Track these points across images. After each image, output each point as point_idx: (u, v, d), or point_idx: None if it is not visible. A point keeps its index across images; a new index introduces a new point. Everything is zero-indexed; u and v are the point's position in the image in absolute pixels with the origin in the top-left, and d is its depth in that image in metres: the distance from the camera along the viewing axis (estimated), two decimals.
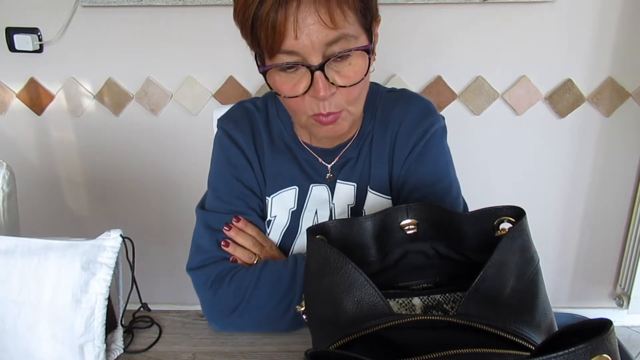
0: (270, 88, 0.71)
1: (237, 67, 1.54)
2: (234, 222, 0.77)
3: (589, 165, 1.62)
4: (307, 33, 0.60)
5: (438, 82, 1.53)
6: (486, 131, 1.58)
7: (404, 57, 1.48)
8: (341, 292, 0.49)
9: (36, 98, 1.61)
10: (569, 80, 1.51)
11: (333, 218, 0.82)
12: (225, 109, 0.89)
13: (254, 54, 0.70)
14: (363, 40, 0.65)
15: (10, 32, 1.52)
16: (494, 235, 0.55)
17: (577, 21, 1.45)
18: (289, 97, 0.66)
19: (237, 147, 0.81)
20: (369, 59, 0.65)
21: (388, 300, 0.48)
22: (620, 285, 1.73)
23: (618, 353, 0.33)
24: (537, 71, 1.51)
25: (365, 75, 0.66)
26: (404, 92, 0.85)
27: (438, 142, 0.80)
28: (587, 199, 1.66)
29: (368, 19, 0.65)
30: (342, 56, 0.63)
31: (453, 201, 0.79)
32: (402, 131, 0.79)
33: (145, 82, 1.57)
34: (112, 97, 1.60)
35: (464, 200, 0.83)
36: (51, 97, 1.61)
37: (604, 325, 0.33)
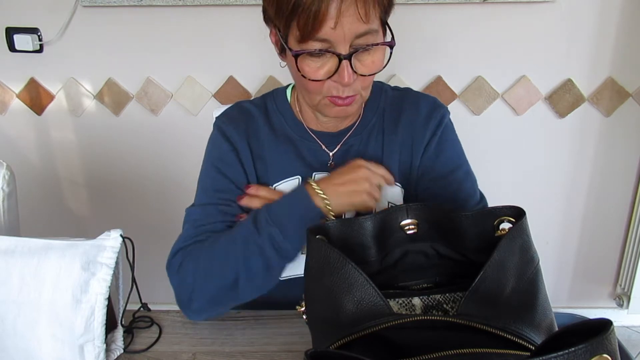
0: (284, 58, 0.76)
1: (237, 67, 1.54)
2: (246, 191, 0.80)
3: (589, 165, 1.62)
4: (343, 24, 0.64)
5: (438, 82, 1.53)
6: (486, 131, 1.58)
7: (404, 57, 1.48)
8: (341, 292, 0.49)
9: (36, 98, 1.61)
10: (569, 80, 1.51)
11: None
12: (225, 108, 0.89)
13: (275, 32, 0.73)
14: (382, 34, 0.70)
15: (10, 32, 1.52)
16: (494, 235, 0.55)
17: (577, 21, 1.45)
18: (312, 80, 0.70)
19: (229, 142, 0.82)
20: (391, 53, 0.71)
21: (388, 300, 0.48)
22: (620, 285, 1.73)
23: (618, 353, 0.33)
24: (537, 71, 1.51)
25: (384, 67, 0.71)
26: (409, 89, 0.90)
27: (451, 131, 0.86)
28: (587, 199, 1.66)
29: (389, 13, 0.71)
30: (366, 48, 0.68)
31: (473, 184, 0.84)
32: (418, 122, 0.83)
33: (145, 82, 1.57)
34: (112, 97, 1.60)
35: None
36: (51, 97, 1.61)
37: (604, 325, 0.33)
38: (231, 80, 1.56)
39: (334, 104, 0.73)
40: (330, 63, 0.68)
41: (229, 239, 0.73)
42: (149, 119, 1.62)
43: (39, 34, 1.52)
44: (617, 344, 0.33)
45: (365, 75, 0.70)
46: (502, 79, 1.53)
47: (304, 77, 0.70)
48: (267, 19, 0.74)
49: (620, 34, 1.46)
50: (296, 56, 0.69)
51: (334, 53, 0.66)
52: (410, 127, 0.83)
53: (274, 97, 0.87)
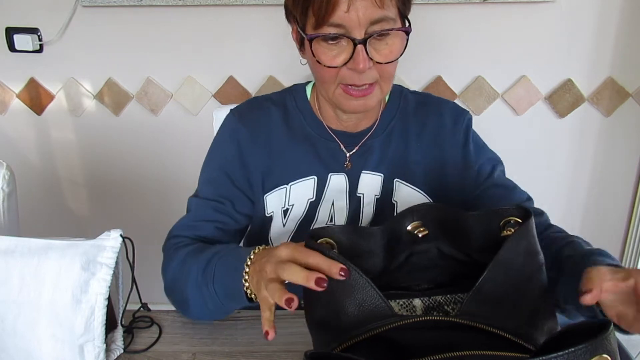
0: (303, 53, 0.77)
1: (237, 67, 1.54)
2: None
3: (589, 165, 1.62)
4: (357, 8, 0.65)
5: (438, 82, 1.53)
6: (486, 131, 1.58)
7: (404, 57, 1.48)
8: (343, 294, 0.49)
9: (36, 98, 1.61)
10: (569, 80, 1.51)
11: (362, 208, 0.84)
12: (225, 108, 0.89)
13: (295, 28, 0.75)
14: (399, 24, 0.71)
15: (10, 32, 1.51)
16: (500, 235, 0.55)
17: (577, 21, 1.45)
18: (327, 67, 0.70)
19: (236, 142, 0.82)
20: (407, 40, 0.71)
21: (389, 301, 0.48)
22: None
23: (618, 353, 0.33)
24: (537, 71, 1.51)
25: (401, 55, 0.72)
26: (429, 94, 0.92)
27: (475, 134, 0.92)
28: (587, 199, 1.66)
29: (407, 6, 0.72)
30: (382, 35, 0.69)
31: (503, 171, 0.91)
32: (445, 133, 0.85)
33: (145, 82, 1.57)
34: (112, 97, 1.60)
35: None
36: (51, 97, 1.61)
37: (604, 325, 0.33)
38: (231, 80, 1.56)
39: (349, 95, 0.73)
40: (346, 51, 0.69)
41: (187, 270, 0.71)
42: (149, 119, 1.62)
43: (39, 34, 1.52)
44: (616, 344, 0.33)
45: (381, 64, 0.70)
46: (502, 79, 1.53)
47: (319, 63, 0.70)
48: (288, 14, 0.75)
49: (620, 34, 1.46)
50: (311, 40, 0.69)
51: (348, 38, 0.67)
52: (436, 136, 0.85)
53: (293, 95, 0.87)
